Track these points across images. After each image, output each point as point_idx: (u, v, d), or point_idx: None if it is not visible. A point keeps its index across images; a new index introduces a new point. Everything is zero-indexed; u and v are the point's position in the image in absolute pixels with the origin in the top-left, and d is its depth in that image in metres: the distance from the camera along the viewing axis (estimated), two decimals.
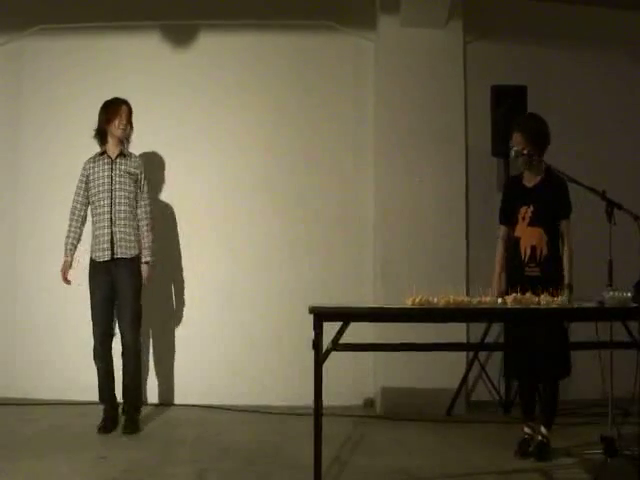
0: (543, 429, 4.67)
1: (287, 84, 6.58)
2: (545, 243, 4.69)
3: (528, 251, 4.69)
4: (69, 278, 5.45)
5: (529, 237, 4.70)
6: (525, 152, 4.66)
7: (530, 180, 4.80)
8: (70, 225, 5.47)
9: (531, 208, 4.71)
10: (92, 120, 6.01)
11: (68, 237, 5.45)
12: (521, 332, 4.66)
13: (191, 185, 6.47)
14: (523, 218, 4.73)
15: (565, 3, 6.53)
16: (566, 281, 4.63)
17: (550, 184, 4.74)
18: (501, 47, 6.58)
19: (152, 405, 6.16)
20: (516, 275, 4.68)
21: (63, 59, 6.51)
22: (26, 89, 6.53)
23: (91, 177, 5.42)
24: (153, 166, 6.25)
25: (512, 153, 4.73)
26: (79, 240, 5.48)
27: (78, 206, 5.47)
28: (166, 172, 6.41)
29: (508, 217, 4.85)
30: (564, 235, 4.75)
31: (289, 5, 6.54)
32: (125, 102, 5.51)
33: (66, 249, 5.45)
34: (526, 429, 4.75)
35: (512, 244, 4.80)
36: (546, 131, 4.78)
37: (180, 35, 6.50)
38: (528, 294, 4.00)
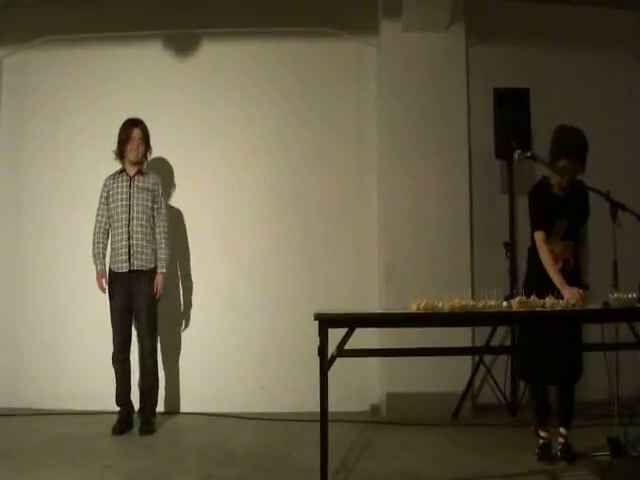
0: (564, 430, 4.63)
1: (289, 90, 6.60)
2: (573, 254, 4.68)
3: (560, 264, 4.62)
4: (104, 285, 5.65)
5: (562, 251, 4.65)
6: (529, 154, 4.64)
7: (560, 189, 4.70)
8: (96, 240, 5.67)
9: (565, 222, 4.65)
10: (96, 133, 6.07)
11: (96, 248, 5.67)
12: (539, 334, 4.56)
13: (193, 193, 6.49)
14: (557, 232, 4.66)
15: (567, 5, 6.55)
16: (583, 280, 4.65)
17: (576, 192, 4.69)
18: (503, 50, 6.60)
19: (158, 413, 6.14)
20: (542, 281, 4.54)
21: (66, 71, 6.54)
22: (29, 101, 6.56)
23: (111, 193, 5.64)
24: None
25: (516, 156, 4.70)
26: (105, 251, 5.67)
27: (103, 220, 5.68)
28: (168, 180, 6.41)
29: (546, 225, 4.69)
30: (583, 237, 4.76)
31: (291, 12, 6.56)
32: (138, 125, 5.67)
33: (96, 261, 5.66)
34: (542, 433, 4.68)
35: (538, 257, 4.68)
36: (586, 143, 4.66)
37: (182, 44, 6.53)
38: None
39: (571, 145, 4.59)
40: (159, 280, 5.63)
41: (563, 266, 4.63)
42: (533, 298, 4.04)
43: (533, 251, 4.75)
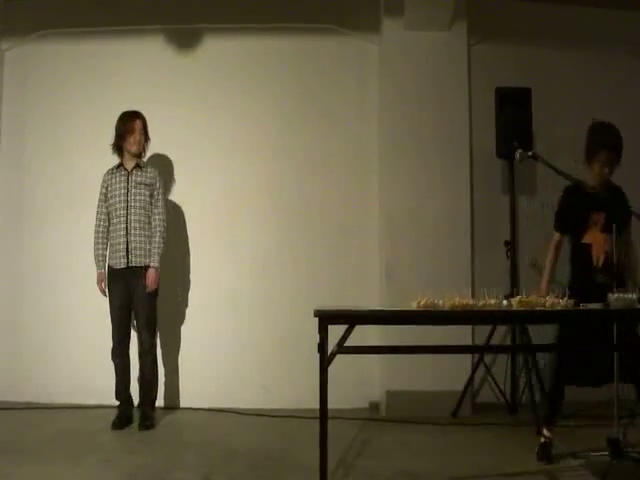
0: None
1: (290, 88, 6.59)
2: (617, 251, 4.61)
3: (602, 258, 4.58)
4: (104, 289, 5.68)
5: (603, 244, 4.57)
6: (530, 154, 4.63)
7: (595, 186, 4.68)
8: (97, 238, 5.67)
9: (603, 215, 4.61)
10: (97, 128, 6.06)
11: (97, 250, 5.67)
12: (582, 334, 4.51)
13: (194, 191, 6.48)
14: (595, 224, 4.63)
15: (569, 5, 6.54)
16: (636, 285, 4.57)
17: (612, 191, 4.70)
18: (505, 49, 6.60)
19: (158, 408, 6.14)
20: (587, 283, 4.54)
21: (67, 65, 6.53)
22: (31, 95, 6.56)
23: (109, 189, 5.64)
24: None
25: (517, 155, 4.67)
26: (105, 252, 5.66)
27: (102, 217, 5.68)
28: (169, 178, 6.41)
29: (570, 225, 4.70)
30: (629, 240, 4.73)
31: (292, 8, 6.55)
32: (138, 116, 5.64)
33: (97, 263, 5.67)
34: (546, 432, 4.66)
35: (579, 251, 4.67)
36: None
37: (183, 40, 6.52)
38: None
39: (609, 139, 4.70)
40: (151, 275, 5.55)
41: (605, 261, 4.57)
42: (533, 297, 4.03)
43: (574, 252, 4.73)
